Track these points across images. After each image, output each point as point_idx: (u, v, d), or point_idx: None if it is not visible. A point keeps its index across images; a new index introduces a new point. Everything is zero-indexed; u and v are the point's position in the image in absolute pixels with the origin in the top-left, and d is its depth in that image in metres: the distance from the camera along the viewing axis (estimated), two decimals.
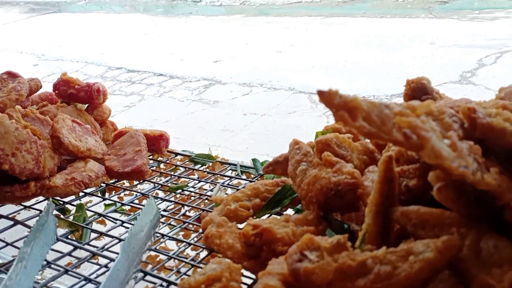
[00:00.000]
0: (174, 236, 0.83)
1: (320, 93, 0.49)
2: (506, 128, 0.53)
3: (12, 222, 0.88)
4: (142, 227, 0.77)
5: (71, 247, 0.80)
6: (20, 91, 1.05)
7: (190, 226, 0.87)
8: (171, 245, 0.83)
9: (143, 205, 0.89)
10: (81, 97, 1.20)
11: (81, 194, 0.98)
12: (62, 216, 0.92)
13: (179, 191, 1.01)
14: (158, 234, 0.82)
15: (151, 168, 1.11)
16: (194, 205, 0.94)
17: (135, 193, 1.00)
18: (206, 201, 0.96)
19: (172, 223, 0.88)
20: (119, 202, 0.97)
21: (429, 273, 0.49)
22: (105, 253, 0.78)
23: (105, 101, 1.25)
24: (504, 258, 0.49)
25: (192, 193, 0.99)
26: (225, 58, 4.17)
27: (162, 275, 0.72)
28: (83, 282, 0.70)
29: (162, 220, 0.89)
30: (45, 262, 0.74)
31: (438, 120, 0.55)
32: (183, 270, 0.74)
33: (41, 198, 0.96)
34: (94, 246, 0.81)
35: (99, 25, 6.15)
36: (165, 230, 0.86)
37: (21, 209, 0.94)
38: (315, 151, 0.81)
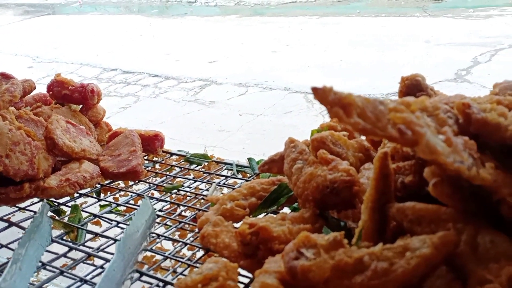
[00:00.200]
0: (170, 236, 0.83)
1: (315, 90, 0.48)
2: (501, 123, 0.53)
3: (6, 224, 0.87)
4: (137, 228, 0.77)
5: (67, 248, 0.79)
6: (13, 92, 1.05)
7: (186, 226, 0.87)
8: (167, 245, 0.82)
9: (139, 206, 0.89)
10: (75, 98, 1.19)
11: (76, 195, 0.98)
12: (57, 218, 0.92)
13: (175, 191, 1.00)
14: (154, 234, 0.82)
15: (146, 169, 1.10)
16: (190, 205, 0.93)
17: (130, 193, 1.00)
18: (202, 200, 0.95)
19: (168, 223, 0.88)
20: (114, 203, 0.97)
21: (426, 269, 0.49)
22: (101, 254, 0.78)
23: (99, 101, 1.25)
24: (501, 253, 0.48)
25: (188, 193, 0.99)
26: (221, 58, 4.16)
27: (158, 275, 0.72)
28: (79, 283, 0.70)
29: (158, 220, 0.88)
30: (40, 264, 0.74)
31: (432, 116, 0.55)
32: (179, 270, 0.74)
33: (35, 199, 0.95)
34: (89, 247, 0.80)
35: (93, 27, 6.13)
36: (161, 230, 0.85)
37: (16, 211, 0.93)
38: (310, 149, 0.80)
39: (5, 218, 0.89)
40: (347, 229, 0.70)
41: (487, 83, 2.95)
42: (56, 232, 0.84)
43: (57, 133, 1.00)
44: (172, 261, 0.77)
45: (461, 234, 0.51)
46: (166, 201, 0.96)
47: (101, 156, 1.08)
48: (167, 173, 1.10)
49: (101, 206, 0.97)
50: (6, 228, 0.86)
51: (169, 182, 1.05)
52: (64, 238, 0.84)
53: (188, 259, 0.76)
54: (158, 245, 0.81)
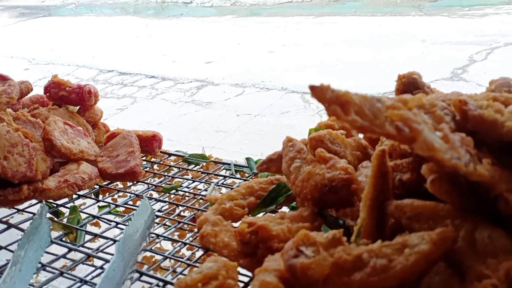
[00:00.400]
0: (169, 236, 0.83)
1: (312, 88, 0.49)
2: (498, 120, 0.53)
3: (5, 226, 0.87)
4: (136, 228, 0.77)
5: (66, 249, 0.79)
6: (10, 94, 1.05)
7: (185, 226, 0.87)
8: (166, 245, 0.83)
9: (137, 206, 0.89)
10: (72, 99, 1.19)
11: (74, 196, 0.98)
12: (55, 219, 0.92)
13: (173, 191, 1.00)
14: (153, 235, 0.82)
15: (145, 169, 1.10)
16: (188, 205, 0.94)
17: (129, 194, 1.00)
18: (201, 200, 0.95)
19: (167, 223, 0.88)
20: (113, 204, 0.97)
21: (425, 265, 0.50)
22: (100, 254, 0.78)
23: (97, 102, 1.25)
24: (499, 248, 0.49)
25: (186, 193, 0.99)
26: (217, 59, 4.16)
27: (158, 275, 0.72)
28: (79, 284, 0.70)
29: (157, 220, 0.88)
30: (39, 265, 0.74)
31: (429, 113, 0.56)
32: (179, 269, 0.74)
33: (34, 201, 0.95)
34: (89, 248, 0.80)
35: (89, 28, 6.12)
36: (160, 230, 0.85)
37: (14, 213, 0.93)
38: (308, 148, 0.81)
39: (4, 220, 0.89)
40: (346, 227, 0.70)
41: (483, 82, 2.95)
42: (55, 234, 0.84)
43: (55, 134, 1.00)
44: (172, 261, 0.77)
45: (459, 230, 0.52)
46: (165, 202, 0.96)
47: (99, 157, 1.08)
48: (166, 173, 1.10)
49: (100, 207, 0.97)
50: (5, 230, 0.86)
51: (167, 182, 1.05)
52: (63, 239, 0.84)
53: (188, 259, 0.76)
54: (158, 245, 0.81)
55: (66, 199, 0.97)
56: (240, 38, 4.85)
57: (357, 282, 0.50)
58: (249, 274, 0.68)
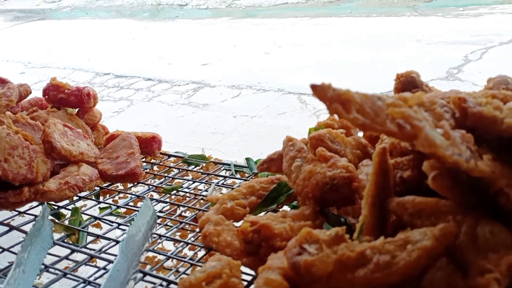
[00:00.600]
0: (171, 237, 0.83)
1: (313, 87, 0.49)
2: (497, 116, 0.54)
3: (7, 228, 0.87)
4: (139, 228, 0.77)
5: (68, 251, 0.80)
6: (10, 96, 1.05)
7: (187, 226, 0.87)
8: (169, 245, 0.83)
9: (138, 207, 0.89)
10: (71, 101, 1.20)
11: (75, 198, 0.98)
12: (57, 221, 0.92)
13: (174, 192, 1.01)
14: (155, 235, 0.82)
15: (145, 171, 1.11)
16: (189, 205, 0.94)
17: (129, 195, 1.00)
18: (202, 201, 0.96)
19: (169, 223, 0.88)
20: (114, 205, 0.97)
21: (427, 260, 0.50)
22: (103, 255, 0.78)
23: (96, 104, 1.25)
24: (500, 243, 0.49)
25: (187, 194, 0.99)
26: (214, 61, 4.17)
27: (161, 275, 0.72)
28: (83, 285, 0.70)
29: (159, 221, 0.89)
30: (42, 266, 0.74)
31: (429, 110, 0.56)
32: (182, 269, 0.74)
33: (35, 203, 0.95)
34: (91, 249, 0.80)
35: (85, 31, 6.11)
36: (161, 231, 0.86)
37: (15, 215, 0.93)
38: (309, 147, 0.81)
39: (5, 222, 0.89)
40: (348, 225, 0.71)
41: (479, 81, 2.98)
42: (57, 235, 0.84)
43: (55, 136, 1.00)
44: (174, 261, 0.77)
45: (461, 226, 0.52)
46: (166, 202, 0.96)
47: (99, 159, 1.08)
48: (166, 174, 1.10)
49: (101, 209, 0.97)
50: (6, 232, 0.86)
51: (168, 183, 1.06)
52: (66, 240, 0.84)
53: (190, 259, 0.76)
54: (160, 245, 0.81)
55: (67, 201, 0.97)
56: (236, 40, 4.85)
57: (361, 278, 0.50)
58: (252, 272, 0.69)
